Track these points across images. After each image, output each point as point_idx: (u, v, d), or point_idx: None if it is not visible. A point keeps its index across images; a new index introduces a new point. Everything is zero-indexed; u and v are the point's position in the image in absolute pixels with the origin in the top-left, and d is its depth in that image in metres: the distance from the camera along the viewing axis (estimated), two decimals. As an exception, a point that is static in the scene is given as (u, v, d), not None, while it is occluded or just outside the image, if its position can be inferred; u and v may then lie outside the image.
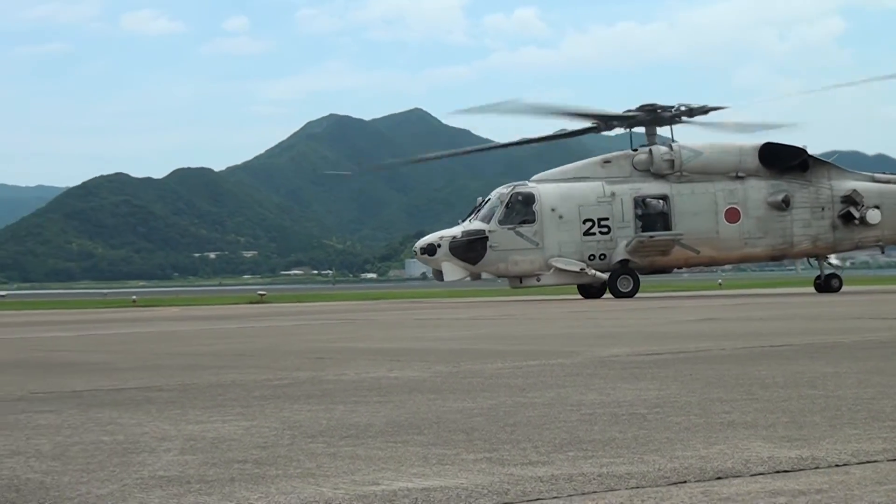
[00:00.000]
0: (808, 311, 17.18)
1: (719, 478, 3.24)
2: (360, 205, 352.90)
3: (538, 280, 30.40)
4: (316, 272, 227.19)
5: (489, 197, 30.99)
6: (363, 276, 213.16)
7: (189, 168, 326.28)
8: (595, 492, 3.08)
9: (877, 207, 30.64)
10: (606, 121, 32.21)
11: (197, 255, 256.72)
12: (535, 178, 31.35)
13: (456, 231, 30.68)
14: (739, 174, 30.70)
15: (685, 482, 3.18)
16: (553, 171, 31.52)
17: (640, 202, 30.63)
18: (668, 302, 25.78)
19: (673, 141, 31.46)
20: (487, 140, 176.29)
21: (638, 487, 3.12)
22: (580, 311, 20.82)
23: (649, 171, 30.73)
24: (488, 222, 30.19)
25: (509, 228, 30.08)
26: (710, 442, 3.91)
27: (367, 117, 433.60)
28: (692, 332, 12.04)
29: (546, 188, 30.50)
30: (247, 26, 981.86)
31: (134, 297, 48.91)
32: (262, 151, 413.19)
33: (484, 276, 30.92)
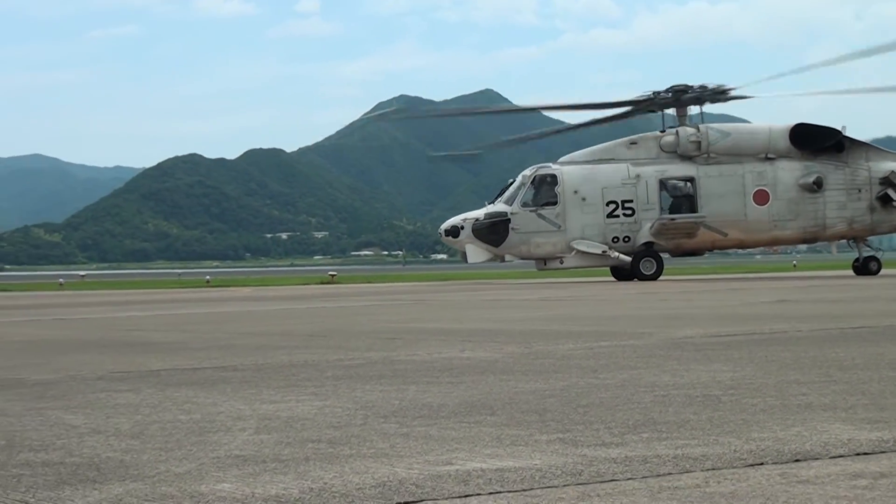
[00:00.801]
0: (889, 294, 16.87)
1: (797, 460, 3.19)
2: (430, 186, 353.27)
3: (561, 262, 30.16)
4: (386, 253, 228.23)
5: (515, 179, 30.79)
6: (433, 256, 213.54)
7: (261, 149, 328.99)
8: (670, 473, 3.04)
9: None
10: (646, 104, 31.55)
11: (269, 235, 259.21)
12: (561, 159, 31.01)
13: (479, 213, 30.50)
14: (769, 156, 30.05)
15: (762, 464, 3.14)
16: (580, 152, 31.10)
17: (665, 184, 30.17)
18: (737, 283, 25.49)
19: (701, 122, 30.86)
20: (558, 122, 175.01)
21: (714, 469, 3.08)
22: (649, 292, 20.68)
23: (676, 152, 30.26)
24: (511, 204, 30.01)
25: (531, 211, 29.84)
26: (787, 424, 3.85)
27: (438, 98, 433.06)
28: (766, 313, 11.88)
29: (569, 170, 30.15)
30: (317, 8, 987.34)
31: (207, 277, 49.60)
32: (333, 132, 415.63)
33: (507, 258, 30.73)
